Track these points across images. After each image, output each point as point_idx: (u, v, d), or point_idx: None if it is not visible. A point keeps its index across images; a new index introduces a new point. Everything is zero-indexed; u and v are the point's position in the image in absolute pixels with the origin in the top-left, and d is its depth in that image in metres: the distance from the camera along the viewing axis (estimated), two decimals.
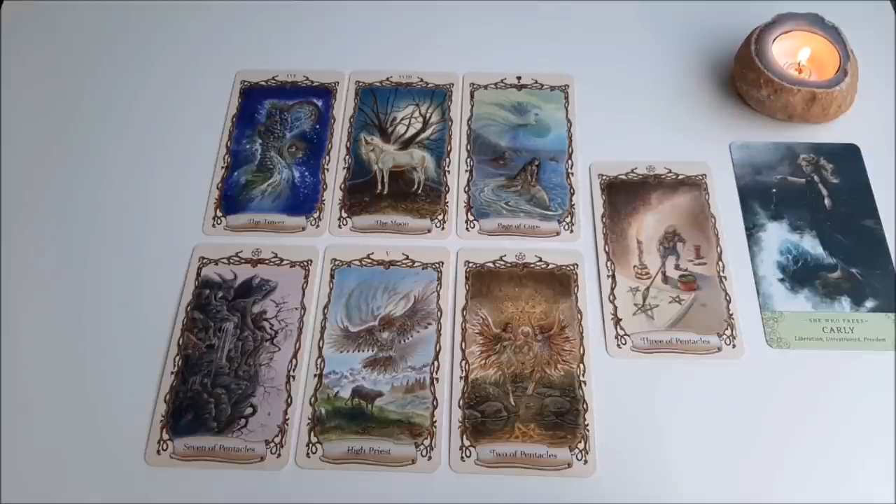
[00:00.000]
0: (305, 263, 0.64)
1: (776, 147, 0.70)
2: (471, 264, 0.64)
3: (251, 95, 0.74)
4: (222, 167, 0.70)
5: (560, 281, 0.63)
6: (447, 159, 0.70)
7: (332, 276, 0.64)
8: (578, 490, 0.55)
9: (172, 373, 0.59)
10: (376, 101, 0.74)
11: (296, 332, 0.61)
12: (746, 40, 0.71)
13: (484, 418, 0.57)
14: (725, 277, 0.63)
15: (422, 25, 0.79)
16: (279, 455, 0.56)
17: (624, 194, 0.67)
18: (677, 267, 0.63)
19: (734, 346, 0.60)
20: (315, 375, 0.59)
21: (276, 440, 0.57)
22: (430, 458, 0.56)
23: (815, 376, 0.58)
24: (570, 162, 0.69)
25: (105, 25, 0.80)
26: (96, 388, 0.59)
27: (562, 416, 0.57)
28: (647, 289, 0.63)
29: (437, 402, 0.58)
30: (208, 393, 0.59)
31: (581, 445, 0.56)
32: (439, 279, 0.63)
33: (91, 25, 0.80)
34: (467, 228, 0.66)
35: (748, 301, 0.62)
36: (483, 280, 0.63)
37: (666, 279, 0.63)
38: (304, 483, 0.55)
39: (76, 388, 0.59)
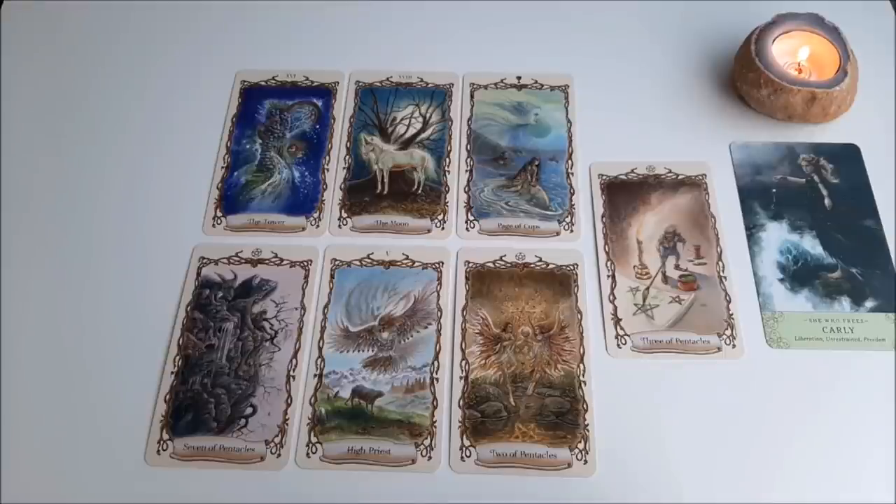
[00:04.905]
0: (305, 263, 0.64)
1: (776, 147, 0.70)
2: (471, 264, 0.64)
3: (251, 95, 0.74)
4: (222, 167, 0.70)
5: (560, 281, 0.63)
6: (447, 159, 0.70)
7: (332, 276, 0.64)
8: (578, 490, 0.55)
9: (172, 373, 0.59)
10: (376, 101, 0.74)
11: (296, 332, 0.61)
12: (746, 40, 0.71)
13: (484, 418, 0.57)
14: (725, 277, 0.63)
15: (422, 25, 0.79)
16: (279, 455, 0.56)
17: (624, 194, 0.67)
18: (677, 267, 0.63)
19: (734, 346, 0.60)
20: (315, 375, 0.59)
21: (276, 440, 0.57)
22: (430, 458, 0.56)
23: (815, 376, 0.58)
24: (570, 162, 0.69)
25: (105, 25, 0.80)
26: (96, 388, 0.59)
27: (562, 416, 0.57)
28: (647, 289, 0.63)
29: (437, 402, 0.58)
30: (208, 393, 0.59)
31: (581, 445, 0.56)
32: (439, 279, 0.63)
33: (91, 25, 0.80)
34: (467, 228, 0.66)
35: (748, 301, 0.62)
36: (483, 280, 0.63)
37: (666, 279, 0.63)
38: (304, 483, 0.55)
39: (76, 387, 0.59)
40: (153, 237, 0.66)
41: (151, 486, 0.55)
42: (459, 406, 0.58)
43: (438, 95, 0.74)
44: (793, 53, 0.71)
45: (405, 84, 0.75)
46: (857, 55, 0.69)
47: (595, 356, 0.60)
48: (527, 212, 0.67)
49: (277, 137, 0.72)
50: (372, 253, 0.65)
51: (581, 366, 0.59)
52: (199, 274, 0.64)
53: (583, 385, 0.58)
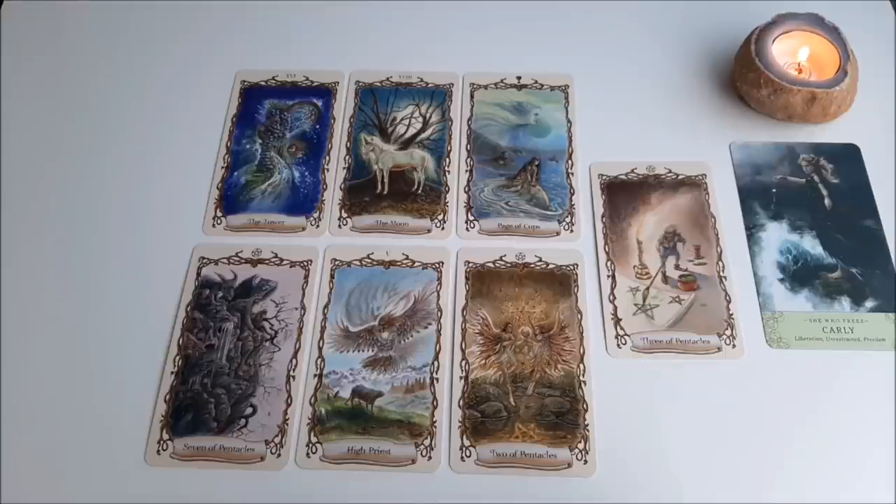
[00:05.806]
0: (305, 263, 0.64)
1: (776, 147, 0.70)
2: (471, 264, 0.64)
3: (251, 95, 0.74)
4: (222, 167, 0.70)
5: (560, 281, 0.63)
6: (447, 159, 0.70)
7: (332, 276, 0.64)
8: (578, 490, 0.55)
9: (172, 373, 0.59)
10: (376, 101, 0.74)
11: (296, 332, 0.61)
12: (746, 40, 0.71)
13: (484, 418, 0.57)
14: (725, 277, 0.63)
15: (422, 25, 0.79)
16: (279, 455, 0.56)
17: (624, 194, 0.67)
18: (677, 267, 0.63)
19: (734, 346, 0.60)
20: (315, 375, 0.59)
21: (276, 440, 0.57)
22: (430, 458, 0.56)
23: (815, 376, 0.58)
24: (570, 162, 0.69)
25: (105, 25, 0.80)
26: (96, 387, 0.59)
27: (562, 416, 0.57)
28: (647, 289, 0.63)
29: (437, 402, 0.58)
30: (208, 393, 0.59)
31: (581, 445, 0.56)
32: (439, 279, 0.63)
33: (91, 25, 0.80)
34: (467, 228, 0.66)
35: (748, 301, 0.62)
36: (483, 280, 0.63)
37: (666, 279, 0.63)
38: (304, 483, 0.55)
39: (76, 387, 0.59)
40: (153, 237, 0.66)
41: (151, 486, 0.55)
42: (459, 406, 0.58)
43: (438, 95, 0.74)
44: (793, 53, 0.71)
45: (405, 84, 0.75)
46: (857, 55, 0.69)
47: (595, 356, 0.60)
48: (527, 212, 0.67)
49: (277, 137, 0.72)
50: (372, 253, 0.65)
51: (581, 366, 0.59)
52: (199, 274, 0.64)
53: (583, 385, 0.58)
